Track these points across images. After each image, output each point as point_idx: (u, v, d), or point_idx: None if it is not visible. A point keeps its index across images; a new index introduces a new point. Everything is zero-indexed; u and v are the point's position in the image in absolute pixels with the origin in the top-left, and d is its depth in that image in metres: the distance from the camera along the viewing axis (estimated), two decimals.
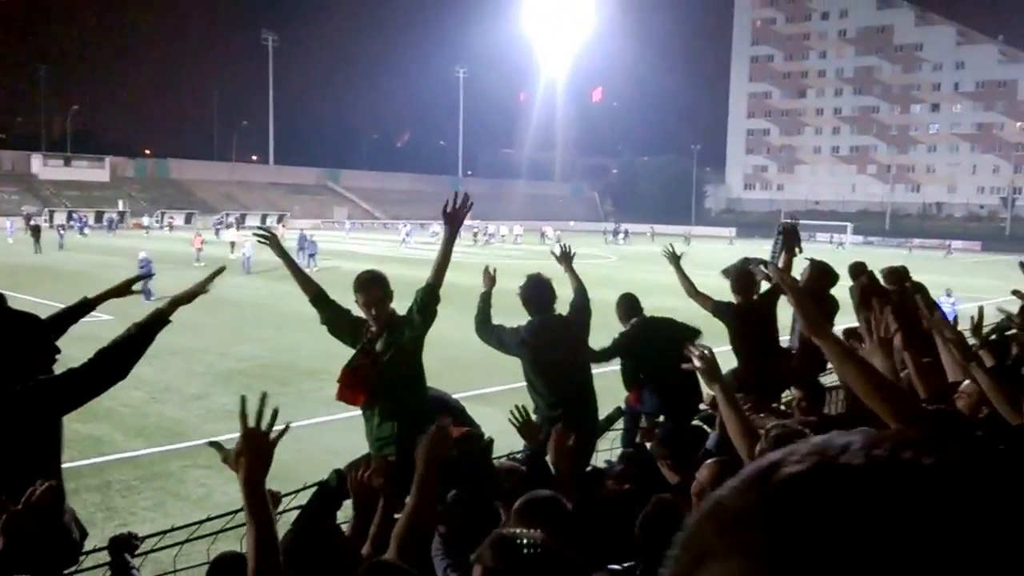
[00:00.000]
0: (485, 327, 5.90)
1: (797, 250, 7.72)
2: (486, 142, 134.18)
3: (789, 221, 7.91)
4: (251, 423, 2.56)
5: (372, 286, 4.66)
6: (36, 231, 42.19)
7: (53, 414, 3.79)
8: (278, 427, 2.59)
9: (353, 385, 4.72)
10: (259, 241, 5.23)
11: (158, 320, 4.13)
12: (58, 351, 3.91)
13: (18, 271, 30.52)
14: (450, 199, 4.84)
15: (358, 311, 4.79)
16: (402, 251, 48.69)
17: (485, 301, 5.98)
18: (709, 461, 3.33)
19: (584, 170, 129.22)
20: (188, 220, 69.87)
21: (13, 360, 3.71)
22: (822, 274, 7.43)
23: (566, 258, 6.42)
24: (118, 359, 3.92)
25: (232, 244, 37.73)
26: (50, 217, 60.83)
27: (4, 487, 3.42)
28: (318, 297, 4.93)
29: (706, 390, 5.17)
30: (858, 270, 8.41)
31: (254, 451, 2.53)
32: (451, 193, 4.93)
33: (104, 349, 3.89)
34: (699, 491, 3.05)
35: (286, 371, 13.74)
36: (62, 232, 45.26)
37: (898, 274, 8.34)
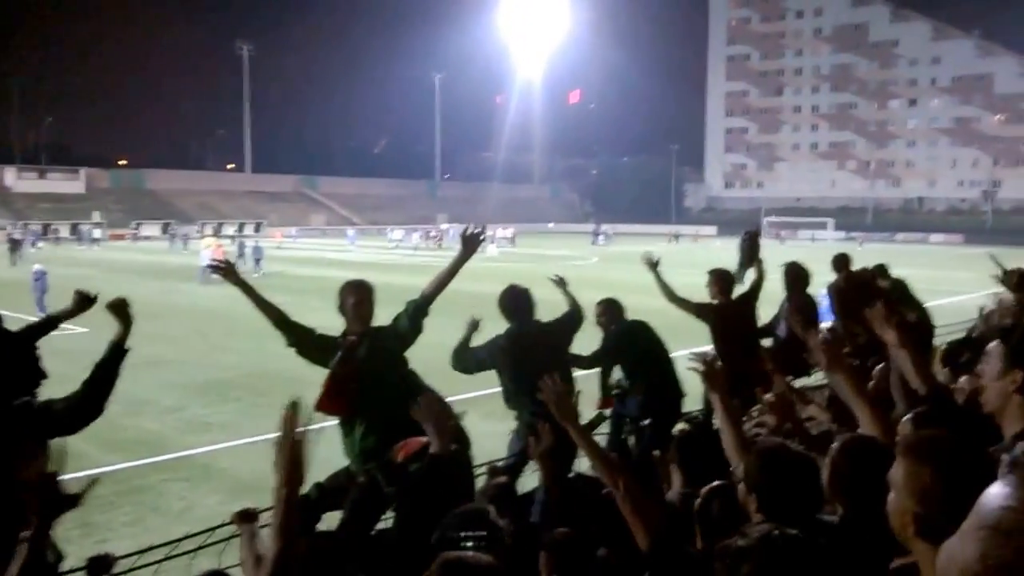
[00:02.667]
0: (460, 355, 5.78)
1: (759, 259, 7.69)
2: (464, 145, 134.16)
3: (752, 230, 7.94)
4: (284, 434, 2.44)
5: (362, 288, 4.77)
6: (15, 244, 42.52)
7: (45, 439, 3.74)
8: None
9: (336, 394, 4.63)
10: (213, 273, 5.19)
11: (117, 352, 4.07)
12: (45, 375, 3.89)
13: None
14: (470, 225, 5.08)
15: (323, 329, 4.83)
16: (392, 257, 48.66)
17: (464, 345, 5.83)
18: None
19: (563, 172, 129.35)
20: (164, 230, 69.30)
21: (5, 380, 3.71)
22: (799, 277, 7.45)
23: (562, 283, 6.55)
24: (90, 403, 3.92)
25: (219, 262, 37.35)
26: (24, 231, 60.23)
27: None
28: (280, 321, 4.87)
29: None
30: (841, 263, 8.39)
31: (290, 464, 2.46)
32: (473, 226, 5.05)
33: (76, 397, 3.88)
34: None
35: (264, 381, 13.60)
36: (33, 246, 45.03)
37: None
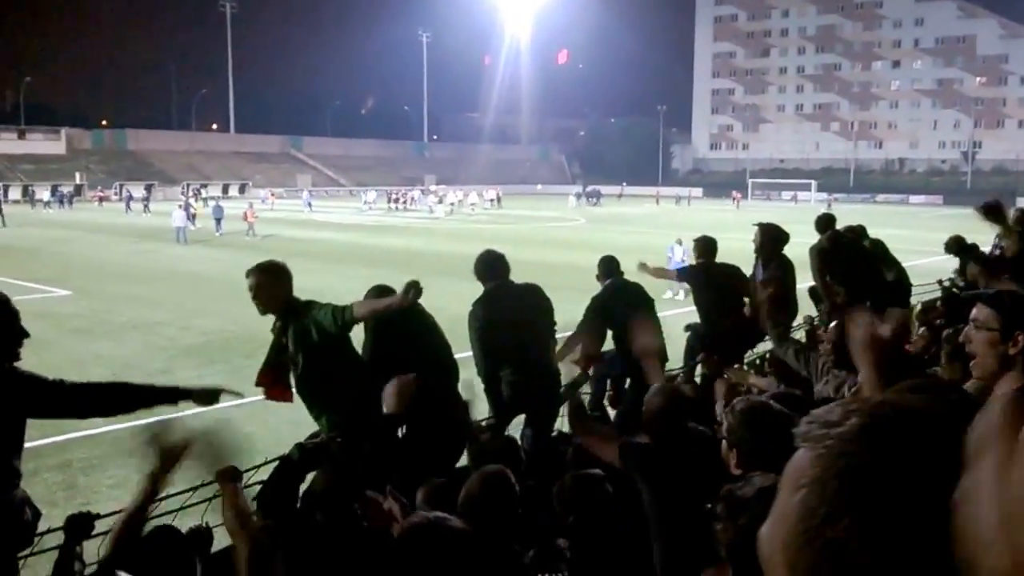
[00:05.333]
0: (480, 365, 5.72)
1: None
2: (451, 106, 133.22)
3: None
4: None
5: (252, 273, 4.67)
6: None
7: (26, 414, 3.83)
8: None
9: (274, 382, 4.75)
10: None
11: (172, 396, 4.16)
12: (26, 334, 3.83)
13: None
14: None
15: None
16: (364, 217, 48.63)
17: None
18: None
19: (551, 133, 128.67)
20: (148, 191, 68.72)
21: None
22: (775, 238, 7.44)
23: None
24: (113, 403, 4.02)
25: (193, 216, 37.40)
26: (4, 192, 59.78)
27: None
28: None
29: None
30: (825, 223, 8.44)
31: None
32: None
33: (111, 387, 3.97)
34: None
35: (248, 343, 13.57)
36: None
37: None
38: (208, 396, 4.27)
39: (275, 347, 4.72)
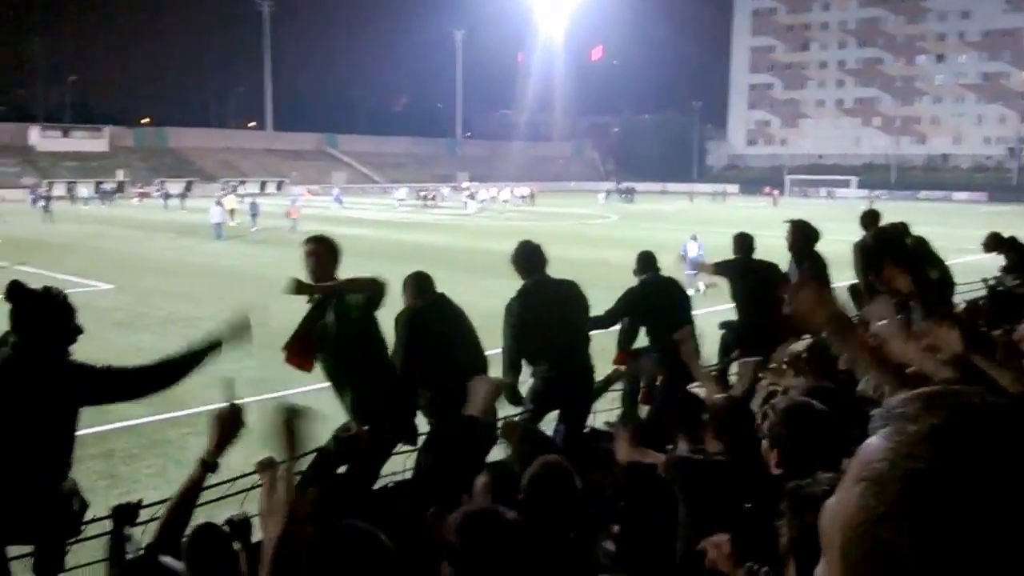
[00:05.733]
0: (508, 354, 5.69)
1: None
2: (484, 103, 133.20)
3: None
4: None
5: (310, 242, 4.88)
6: (47, 201, 44.17)
7: (81, 403, 3.93)
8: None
9: (300, 349, 4.87)
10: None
11: (212, 347, 4.28)
12: (80, 331, 3.96)
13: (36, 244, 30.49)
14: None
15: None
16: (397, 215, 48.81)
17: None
18: None
19: (584, 130, 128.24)
20: (188, 187, 69.58)
21: (44, 335, 3.81)
22: (805, 234, 7.39)
23: None
24: (161, 378, 4.12)
25: (232, 211, 37.76)
26: (49, 189, 60.85)
27: (19, 457, 3.65)
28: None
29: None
30: (870, 219, 8.32)
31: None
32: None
33: (157, 365, 4.09)
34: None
35: (285, 337, 13.73)
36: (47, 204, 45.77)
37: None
38: (238, 330, 4.41)
39: (309, 318, 4.83)
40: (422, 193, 63.57)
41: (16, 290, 3.80)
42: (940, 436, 0.67)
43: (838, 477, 2.33)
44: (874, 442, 0.72)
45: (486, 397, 4.12)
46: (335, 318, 4.69)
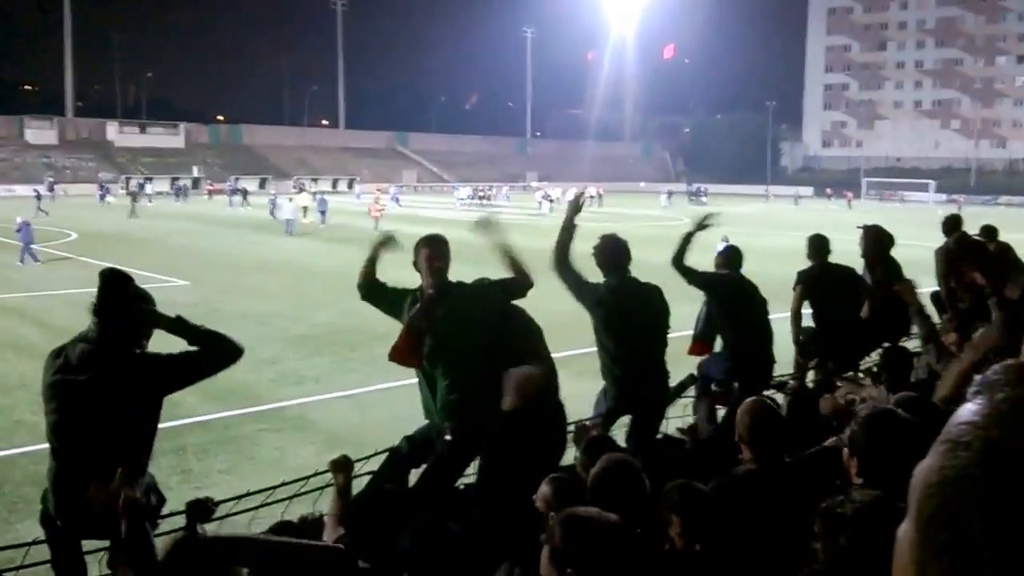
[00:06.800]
0: (566, 266, 5.51)
1: None
2: (554, 103, 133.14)
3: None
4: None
5: (433, 242, 4.68)
6: (133, 196, 45.79)
7: (163, 392, 4.00)
8: None
9: (410, 347, 4.66)
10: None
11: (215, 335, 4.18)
12: (158, 323, 4.02)
13: (116, 237, 31.42)
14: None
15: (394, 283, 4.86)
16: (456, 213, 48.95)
17: (568, 231, 5.59)
18: None
19: (655, 130, 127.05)
20: (262, 185, 70.98)
21: (127, 329, 3.90)
22: (879, 240, 7.20)
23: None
24: (221, 349, 4.07)
25: (304, 209, 38.35)
26: (126, 184, 62.76)
27: (101, 451, 3.69)
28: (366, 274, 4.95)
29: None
30: (952, 225, 8.08)
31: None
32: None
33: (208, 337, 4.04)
34: None
35: (356, 335, 13.86)
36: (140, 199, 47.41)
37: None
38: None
39: (419, 314, 4.64)
40: (480, 192, 63.51)
41: (112, 275, 3.92)
42: (992, 460, 0.66)
43: (873, 495, 2.22)
44: (966, 406, 0.72)
45: (520, 388, 4.00)
46: (455, 315, 4.59)
